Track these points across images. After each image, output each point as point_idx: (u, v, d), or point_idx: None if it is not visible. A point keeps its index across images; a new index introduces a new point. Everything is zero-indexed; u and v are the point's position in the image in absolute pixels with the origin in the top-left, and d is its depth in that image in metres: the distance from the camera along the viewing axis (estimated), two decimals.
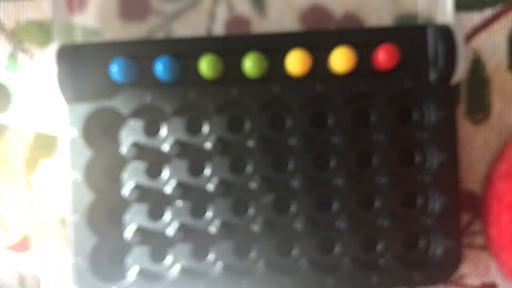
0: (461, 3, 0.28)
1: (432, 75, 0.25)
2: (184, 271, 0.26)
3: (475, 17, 0.28)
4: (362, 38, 0.25)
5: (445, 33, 0.25)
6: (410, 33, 0.25)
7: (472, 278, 0.29)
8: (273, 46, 0.25)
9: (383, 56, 0.25)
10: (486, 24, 0.28)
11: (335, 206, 0.26)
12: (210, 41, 0.25)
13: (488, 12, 0.28)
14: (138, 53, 0.25)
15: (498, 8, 0.28)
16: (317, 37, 0.25)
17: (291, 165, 0.26)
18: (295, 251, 0.26)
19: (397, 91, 0.26)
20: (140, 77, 0.25)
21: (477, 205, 0.29)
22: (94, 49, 0.25)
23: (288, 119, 0.26)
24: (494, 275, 0.29)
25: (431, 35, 0.25)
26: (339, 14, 0.28)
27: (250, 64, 0.24)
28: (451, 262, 0.26)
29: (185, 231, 0.26)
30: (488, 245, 0.28)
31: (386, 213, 0.26)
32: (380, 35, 0.25)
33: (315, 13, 0.28)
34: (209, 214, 0.26)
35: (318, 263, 0.26)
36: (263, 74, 0.25)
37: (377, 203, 0.26)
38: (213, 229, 0.26)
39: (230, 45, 0.25)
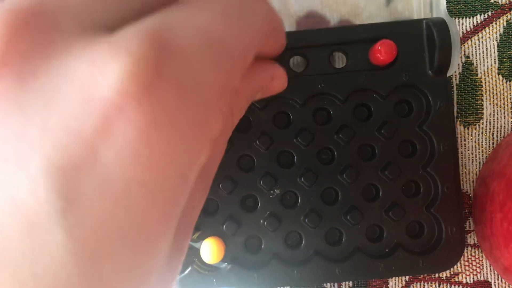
0: (454, 9, 0.29)
1: (429, 68, 0.26)
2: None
3: (467, 23, 0.29)
4: (360, 35, 0.26)
5: (440, 25, 0.25)
6: (406, 28, 0.26)
7: (466, 276, 0.29)
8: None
9: (381, 52, 0.25)
10: (477, 29, 0.29)
11: (340, 198, 0.26)
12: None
13: (479, 18, 0.29)
14: None
15: (488, 13, 0.29)
16: (315, 36, 0.26)
17: (296, 161, 0.26)
18: (303, 243, 0.27)
19: (395, 85, 0.26)
20: None
21: (470, 204, 0.29)
22: None
23: (292, 115, 0.26)
24: (487, 273, 0.29)
25: (427, 28, 0.25)
26: (334, 21, 0.29)
27: None
28: (455, 249, 0.26)
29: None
30: (481, 243, 0.28)
31: (389, 204, 0.26)
32: (377, 31, 0.26)
33: (310, 20, 0.29)
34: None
35: (327, 254, 0.26)
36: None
37: (381, 194, 0.26)
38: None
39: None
